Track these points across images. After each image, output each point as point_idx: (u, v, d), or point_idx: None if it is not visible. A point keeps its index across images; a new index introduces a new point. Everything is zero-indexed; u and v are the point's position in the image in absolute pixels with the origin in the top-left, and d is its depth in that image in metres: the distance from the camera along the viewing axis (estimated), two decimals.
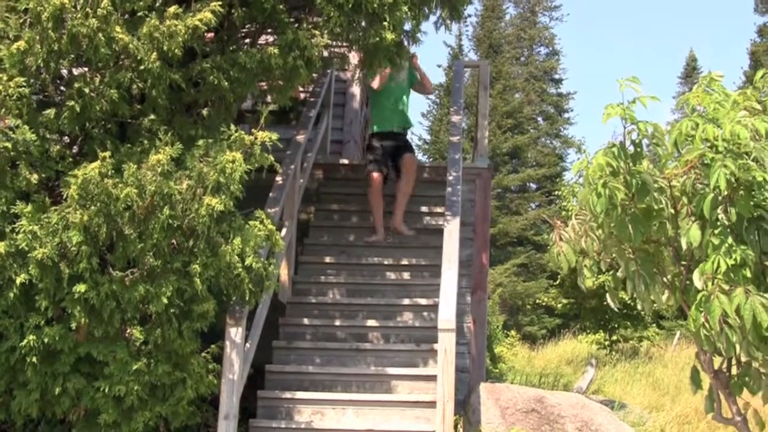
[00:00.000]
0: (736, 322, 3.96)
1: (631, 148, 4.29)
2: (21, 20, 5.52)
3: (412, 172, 8.86)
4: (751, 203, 4.10)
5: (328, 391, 6.80)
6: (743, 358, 4.37)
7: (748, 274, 4.03)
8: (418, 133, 36.86)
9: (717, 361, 4.62)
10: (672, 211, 4.38)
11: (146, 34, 5.63)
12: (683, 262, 4.51)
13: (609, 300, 4.93)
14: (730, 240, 4.06)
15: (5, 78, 5.31)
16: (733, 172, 3.95)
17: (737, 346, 4.03)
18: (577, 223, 4.66)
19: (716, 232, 4.10)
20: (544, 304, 26.51)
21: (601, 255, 4.67)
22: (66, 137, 5.99)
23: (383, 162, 8.87)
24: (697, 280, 4.12)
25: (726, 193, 4.05)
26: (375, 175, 8.74)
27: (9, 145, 5.27)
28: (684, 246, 4.23)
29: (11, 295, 5.21)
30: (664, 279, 4.59)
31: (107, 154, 5.31)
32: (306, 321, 7.58)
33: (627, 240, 4.33)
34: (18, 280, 5.18)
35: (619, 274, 4.70)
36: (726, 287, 3.98)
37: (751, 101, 4.30)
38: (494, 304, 23.46)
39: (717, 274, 4.02)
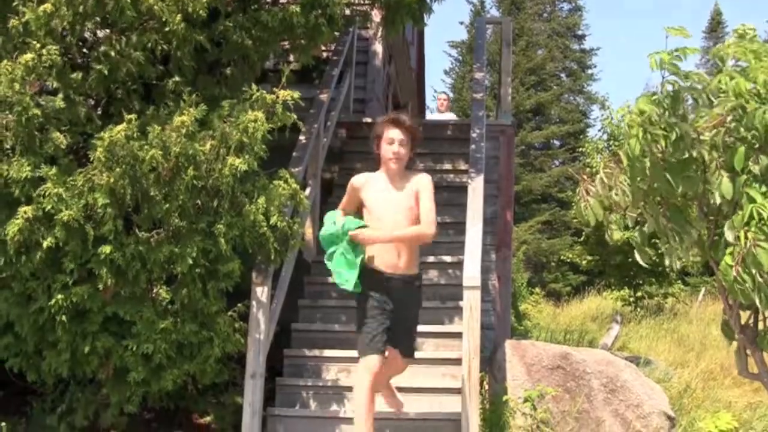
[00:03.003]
0: None
1: (668, 100, 4.19)
2: None
3: None
4: None
5: (354, 349, 6.81)
6: None
7: None
8: (441, 90, 36.65)
9: (744, 316, 4.59)
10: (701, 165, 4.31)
11: None
12: (711, 217, 4.45)
13: (638, 257, 4.80)
14: (763, 188, 4.00)
15: (38, 45, 5.30)
16: None
17: None
18: (605, 175, 4.55)
19: (748, 182, 4.05)
20: (568, 260, 26.43)
21: (628, 209, 4.59)
22: (91, 100, 5.99)
23: (388, 328, 5.26)
24: (729, 233, 4.05)
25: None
26: (376, 359, 5.18)
27: (39, 111, 5.28)
28: (718, 200, 4.16)
29: (38, 257, 5.24)
30: (692, 234, 4.52)
31: (133, 116, 5.30)
32: (331, 279, 7.54)
33: (666, 191, 4.26)
34: (45, 244, 5.21)
35: (645, 229, 4.63)
36: (762, 238, 3.92)
37: None
38: (519, 262, 23.43)
39: (751, 226, 3.95)
